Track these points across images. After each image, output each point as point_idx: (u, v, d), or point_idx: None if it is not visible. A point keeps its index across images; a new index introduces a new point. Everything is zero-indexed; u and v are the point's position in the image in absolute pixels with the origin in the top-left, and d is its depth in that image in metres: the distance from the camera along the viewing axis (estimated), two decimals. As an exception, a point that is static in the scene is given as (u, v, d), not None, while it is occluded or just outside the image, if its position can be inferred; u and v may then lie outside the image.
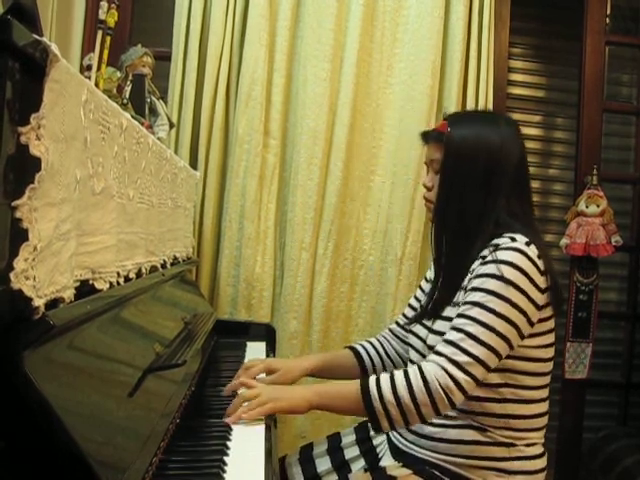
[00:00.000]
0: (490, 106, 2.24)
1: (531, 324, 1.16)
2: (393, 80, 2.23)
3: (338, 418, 2.00)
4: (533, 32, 2.72)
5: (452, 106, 2.21)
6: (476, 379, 1.10)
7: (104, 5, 1.34)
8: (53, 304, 0.72)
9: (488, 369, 1.11)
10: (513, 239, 1.17)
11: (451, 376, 1.09)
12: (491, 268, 1.15)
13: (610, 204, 2.36)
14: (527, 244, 1.17)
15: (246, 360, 1.62)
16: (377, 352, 1.51)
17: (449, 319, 1.19)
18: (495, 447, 1.18)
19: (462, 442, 1.19)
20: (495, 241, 1.19)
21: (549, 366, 1.23)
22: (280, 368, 1.40)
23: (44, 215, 0.67)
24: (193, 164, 2.14)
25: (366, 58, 2.21)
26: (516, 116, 2.66)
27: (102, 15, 1.33)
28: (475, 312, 1.13)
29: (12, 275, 0.62)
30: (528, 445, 1.20)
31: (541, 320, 1.18)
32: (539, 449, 1.23)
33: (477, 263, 1.19)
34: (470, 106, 2.23)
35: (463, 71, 2.23)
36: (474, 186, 1.25)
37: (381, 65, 2.23)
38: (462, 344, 1.11)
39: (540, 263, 1.16)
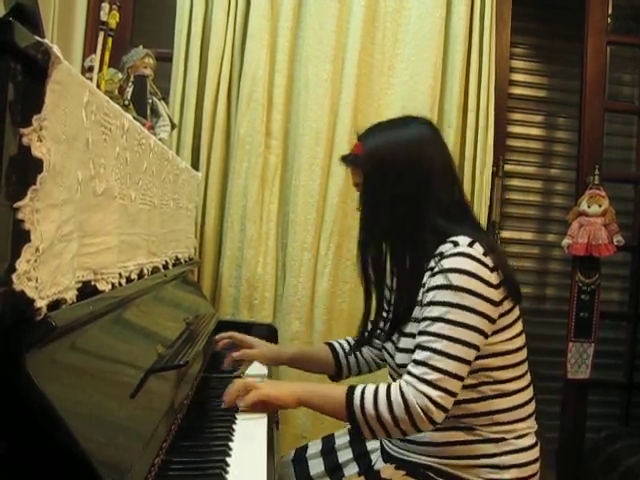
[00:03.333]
0: (491, 106, 2.24)
1: (492, 321, 1.15)
2: (394, 81, 2.23)
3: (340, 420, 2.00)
4: (534, 32, 2.72)
5: (453, 107, 2.22)
6: (451, 393, 1.10)
7: (105, 6, 1.34)
8: (55, 305, 0.72)
9: (461, 379, 1.12)
10: (455, 243, 1.16)
11: (427, 396, 1.09)
12: (440, 279, 1.14)
13: (612, 204, 2.36)
14: (470, 244, 1.15)
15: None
16: (353, 352, 1.53)
17: (412, 335, 1.19)
18: (485, 444, 1.18)
19: (451, 443, 1.19)
20: (439, 249, 1.17)
21: (522, 354, 1.23)
22: (257, 346, 1.50)
23: (46, 216, 0.67)
24: (195, 165, 2.14)
25: (367, 59, 2.21)
26: (517, 116, 2.66)
27: (103, 16, 1.33)
28: (436, 327, 1.12)
29: (14, 276, 0.62)
30: (518, 437, 1.20)
31: (502, 315, 1.17)
32: (530, 440, 1.22)
33: (427, 276, 1.19)
34: (472, 107, 2.23)
35: (464, 71, 2.23)
36: (401, 200, 1.22)
37: (382, 66, 2.23)
38: (430, 362, 1.10)
39: (488, 260, 1.14)
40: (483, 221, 2.25)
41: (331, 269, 2.17)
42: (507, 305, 1.18)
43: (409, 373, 1.13)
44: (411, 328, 1.22)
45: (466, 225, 1.22)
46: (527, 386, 1.24)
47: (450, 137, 2.21)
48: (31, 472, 0.65)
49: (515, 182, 2.68)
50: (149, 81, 1.62)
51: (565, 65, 2.70)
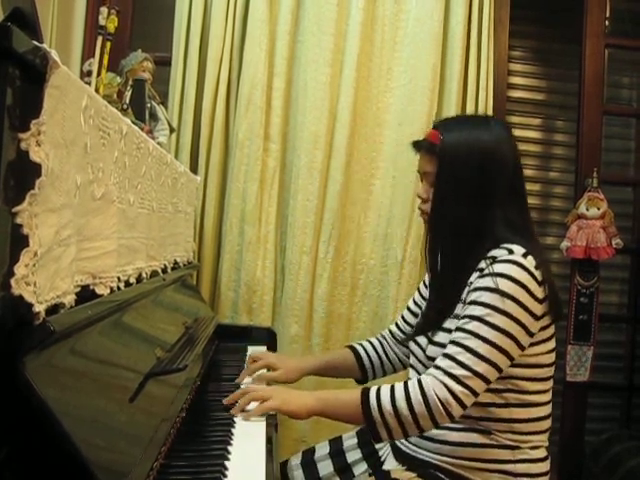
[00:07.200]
0: (490, 109, 2.25)
1: (530, 334, 1.15)
2: (393, 84, 2.23)
3: (338, 423, 1.99)
4: (533, 35, 2.72)
5: (452, 110, 2.22)
6: (474, 392, 1.10)
7: (104, 11, 1.34)
8: (54, 309, 0.72)
9: (487, 382, 1.11)
10: (510, 251, 1.16)
11: (449, 389, 1.09)
12: (488, 281, 1.14)
13: (610, 206, 2.36)
14: (524, 255, 1.15)
15: (248, 354, 1.64)
16: (376, 352, 1.53)
17: (449, 330, 1.20)
18: (500, 450, 1.18)
19: (466, 445, 1.19)
20: (492, 253, 1.18)
21: (551, 371, 1.24)
22: (280, 368, 1.46)
23: (44, 221, 0.67)
24: (193, 168, 2.14)
25: (366, 62, 2.21)
26: (516, 119, 2.66)
27: (102, 21, 1.34)
28: (473, 326, 1.13)
29: (13, 281, 0.62)
30: (532, 448, 1.20)
31: (541, 328, 1.18)
32: (543, 452, 1.23)
33: (475, 276, 1.19)
34: (470, 110, 2.23)
35: (463, 74, 2.23)
36: (471, 199, 1.22)
37: (381, 69, 2.24)
38: (460, 357, 1.11)
39: (538, 274, 1.15)
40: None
41: (330, 272, 2.17)
42: (546, 320, 1.19)
43: (435, 366, 1.13)
44: (449, 324, 1.22)
45: (523, 236, 1.22)
46: (549, 401, 1.24)
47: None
48: (30, 476, 0.65)
49: (514, 185, 2.67)
50: (148, 85, 1.62)
51: (563, 68, 2.70)
